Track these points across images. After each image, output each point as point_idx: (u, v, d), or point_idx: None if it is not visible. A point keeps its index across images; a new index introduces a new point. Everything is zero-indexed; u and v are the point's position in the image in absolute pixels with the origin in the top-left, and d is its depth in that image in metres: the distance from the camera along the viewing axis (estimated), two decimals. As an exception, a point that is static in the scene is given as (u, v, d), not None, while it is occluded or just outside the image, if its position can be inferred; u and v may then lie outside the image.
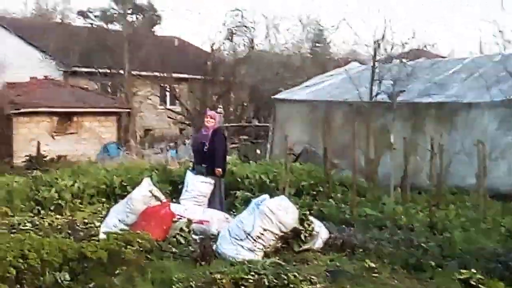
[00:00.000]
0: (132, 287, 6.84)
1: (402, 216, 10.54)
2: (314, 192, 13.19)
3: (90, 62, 30.61)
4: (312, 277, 6.83)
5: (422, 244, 8.71)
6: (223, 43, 33.01)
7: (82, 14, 40.50)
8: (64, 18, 44.86)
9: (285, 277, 6.70)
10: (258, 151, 21.72)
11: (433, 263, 8.00)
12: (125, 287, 6.52)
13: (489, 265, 7.64)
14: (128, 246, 7.67)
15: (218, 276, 6.77)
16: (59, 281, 6.29)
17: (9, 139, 22.86)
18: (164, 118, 31.04)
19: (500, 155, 13.30)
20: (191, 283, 6.74)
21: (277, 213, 8.60)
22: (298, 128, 18.62)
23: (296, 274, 6.74)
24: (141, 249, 7.82)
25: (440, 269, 7.85)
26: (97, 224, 11.01)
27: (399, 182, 12.97)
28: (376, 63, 16.46)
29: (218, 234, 9.86)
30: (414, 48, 18.80)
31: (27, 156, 22.36)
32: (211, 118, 12.18)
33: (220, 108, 12.35)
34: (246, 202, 12.49)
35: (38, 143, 22.92)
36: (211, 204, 11.83)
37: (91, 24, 38.05)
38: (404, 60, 16.85)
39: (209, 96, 30.23)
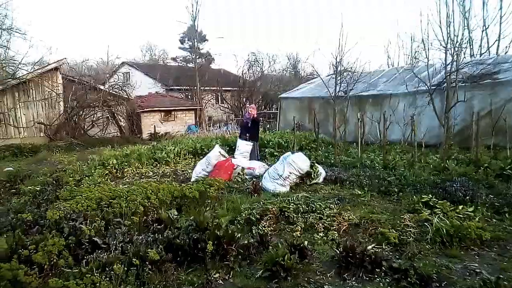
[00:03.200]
0: (214, 213, 5.41)
1: (367, 160, 8.95)
2: (309, 148, 11.67)
3: (179, 83, 29.83)
4: (331, 205, 5.31)
5: (386, 178, 7.18)
6: (247, 70, 32.16)
7: (174, 59, 41.47)
8: (164, 60, 44.80)
9: (313, 205, 5.25)
10: (269, 126, 20.42)
11: (396, 190, 6.52)
12: (211, 214, 5.06)
13: (434, 190, 6.14)
14: (211, 187, 6.27)
15: (270, 206, 5.34)
16: (170, 216, 4.85)
17: (139, 125, 22.12)
18: (218, 111, 30.19)
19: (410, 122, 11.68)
20: (253, 210, 5.29)
21: (297, 162, 7.18)
22: (294, 112, 16.98)
23: (321, 203, 5.26)
24: (217, 189, 6.41)
25: (401, 193, 6.36)
26: (189, 171, 9.67)
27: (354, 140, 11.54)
28: (337, 74, 14.73)
29: (259, 175, 8.56)
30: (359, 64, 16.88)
31: (148, 133, 21.53)
32: (253, 108, 10.96)
33: (253, 104, 11.13)
34: (271, 155, 11.19)
35: (154, 126, 22.44)
36: (251, 157, 10.50)
37: (178, 63, 38.15)
38: (352, 72, 15.09)
39: (241, 98, 29.20)
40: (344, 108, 14.63)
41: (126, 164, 10.19)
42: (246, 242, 4.25)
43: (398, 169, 7.95)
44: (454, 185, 6.15)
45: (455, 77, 11.61)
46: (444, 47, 11.69)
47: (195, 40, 32.20)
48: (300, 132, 13.47)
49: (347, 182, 7.31)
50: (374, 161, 8.78)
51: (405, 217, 4.77)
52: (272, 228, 4.90)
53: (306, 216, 5.02)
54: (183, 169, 10.16)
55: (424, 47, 12.03)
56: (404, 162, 8.33)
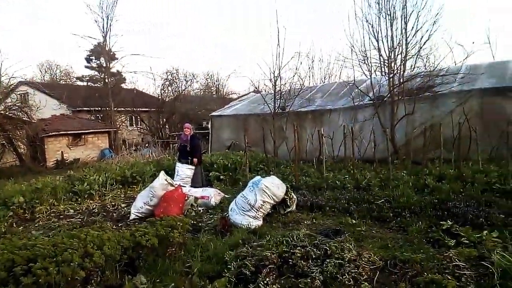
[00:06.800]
0: (186, 267, 3.89)
1: (336, 180, 7.89)
2: (258, 169, 10.38)
3: (88, 104, 27.02)
4: (347, 244, 4.04)
5: (372, 201, 6.18)
6: (166, 89, 30.08)
7: (79, 78, 37.82)
8: (68, 80, 40.95)
9: (325, 246, 3.96)
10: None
11: (391, 215, 5.57)
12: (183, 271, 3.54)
13: (438, 213, 5.27)
14: (174, 230, 4.66)
15: (268, 253, 3.92)
16: (138, 286, 3.21)
17: (43, 151, 19.04)
18: (132, 133, 28.07)
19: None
20: (245, 261, 3.85)
21: (271, 188, 5.86)
22: (228, 131, 15.76)
23: (336, 244, 3.96)
24: (182, 230, 4.81)
25: (399, 219, 5.40)
26: (123, 206, 7.82)
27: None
28: (275, 89, 13.82)
29: (215, 205, 7.14)
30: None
31: (54, 160, 18.71)
32: (188, 128, 9.53)
33: (187, 123, 9.38)
34: (217, 178, 9.75)
35: (62, 152, 19.49)
36: (194, 182, 8.99)
37: (86, 83, 34.57)
38: (289, 88, 14.34)
39: (161, 119, 27.24)
40: (283, 125, 13.79)
41: (36, 201, 7.91)
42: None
43: (373, 189, 7.04)
44: (457, 205, 5.36)
45: (399, 90, 11.43)
46: (386, 59, 11.54)
47: (106, 58, 29.28)
48: (241, 152, 12.14)
49: (327, 208, 6.20)
50: (343, 181, 7.74)
51: (450, 254, 3.72)
52: (279, 286, 3.52)
53: (320, 264, 3.72)
54: (113, 203, 8.19)
55: (365, 61, 11.72)
56: (377, 181, 7.44)
